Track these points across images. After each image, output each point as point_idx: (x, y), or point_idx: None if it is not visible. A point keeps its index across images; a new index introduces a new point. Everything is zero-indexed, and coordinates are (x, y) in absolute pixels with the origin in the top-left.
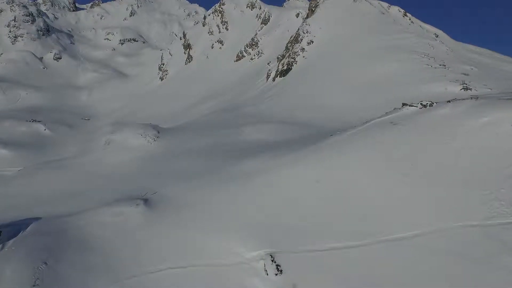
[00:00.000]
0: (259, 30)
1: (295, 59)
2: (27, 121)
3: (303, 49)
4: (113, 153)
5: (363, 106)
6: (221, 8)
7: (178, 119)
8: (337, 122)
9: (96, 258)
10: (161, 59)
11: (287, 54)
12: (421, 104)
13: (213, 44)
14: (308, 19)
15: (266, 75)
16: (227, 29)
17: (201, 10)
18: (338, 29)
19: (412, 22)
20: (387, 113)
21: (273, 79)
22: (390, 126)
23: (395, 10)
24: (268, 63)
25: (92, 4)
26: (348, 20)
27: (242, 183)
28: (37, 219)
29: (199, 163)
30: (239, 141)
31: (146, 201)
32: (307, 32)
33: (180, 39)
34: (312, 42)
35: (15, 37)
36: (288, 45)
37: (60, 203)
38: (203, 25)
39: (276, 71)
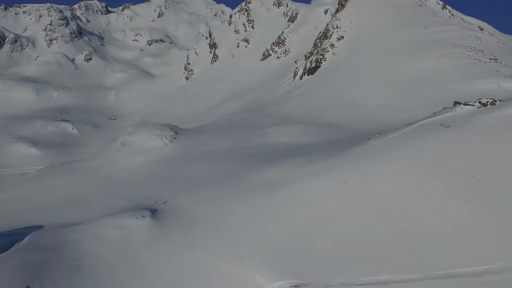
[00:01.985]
0: (286, 28)
1: (324, 56)
2: (56, 120)
3: (332, 45)
4: (127, 156)
5: (401, 106)
6: (247, 7)
7: (200, 119)
8: (372, 123)
9: (88, 282)
10: (187, 58)
11: (316, 51)
12: (479, 102)
13: (238, 43)
14: (337, 13)
15: (293, 74)
16: (253, 28)
17: (228, 10)
18: (370, 23)
19: (452, 14)
20: (435, 114)
21: (300, 78)
22: (441, 129)
23: (433, 2)
24: (295, 62)
25: (123, 7)
26: (381, 13)
27: (263, 195)
28: (37, 227)
29: (217, 168)
30: (262, 143)
31: (153, 212)
32: (337, 28)
33: (206, 38)
34: (343, 37)
35: (51, 40)
36: (317, 41)
37: (64, 210)
38: (229, 24)
39: (304, 69)
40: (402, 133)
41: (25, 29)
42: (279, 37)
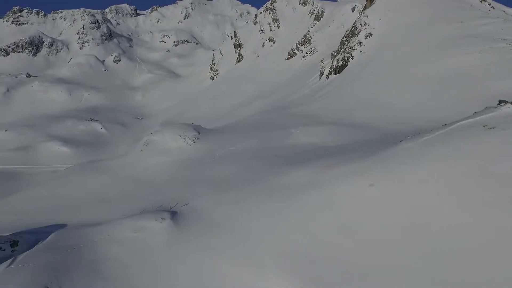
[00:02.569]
0: (311, 27)
1: (351, 54)
2: (86, 120)
3: (360, 43)
4: (150, 156)
5: (434, 106)
6: (273, 6)
7: (225, 119)
8: (403, 124)
9: (104, 285)
10: (212, 59)
11: (343, 49)
12: None
13: (264, 43)
14: (366, 10)
15: (319, 73)
16: (278, 27)
17: (253, 10)
18: (401, 19)
19: (492, 7)
20: (476, 114)
21: (327, 77)
22: (484, 130)
23: None
24: (321, 60)
25: (151, 9)
26: (413, 8)
27: (287, 200)
28: (61, 226)
29: (240, 169)
30: (287, 145)
31: (173, 215)
32: (365, 25)
33: (231, 38)
34: (371, 35)
35: (83, 42)
36: (344, 39)
37: (88, 209)
38: (254, 24)
39: (330, 68)
40: (439, 135)
41: (60, 33)
42: (304, 36)
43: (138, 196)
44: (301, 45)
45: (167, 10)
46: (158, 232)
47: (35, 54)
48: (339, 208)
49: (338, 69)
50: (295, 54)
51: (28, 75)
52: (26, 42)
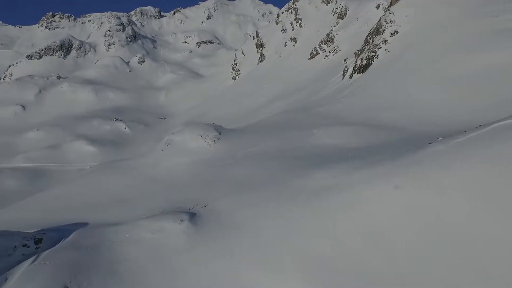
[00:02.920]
0: (334, 26)
1: (375, 53)
2: (111, 120)
3: (385, 41)
4: (170, 156)
5: (465, 106)
6: (295, 5)
7: (247, 119)
8: (431, 125)
9: (122, 286)
10: (234, 59)
11: (367, 48)
12: None
13: (286, 42)
14: (391, 7)
15: (342, 72)
16: (300, 26)
17: (275, 9)
18: (429, 15)
19: None
20: None
21: (350, 76)
22: None
23: None
24: (344, 60)
25: (174, 11)
26: (442, 3)
27: (309, 203)
28: (83, 225)
29: (261, 171)
30: (310, 145)
31: (192, 216)
32: (390, 22)
33: (253, 38)
34: (397, 32)
35: (109, 44)
36: (368, 38)
37: (109, 208)
38: (276, 23)
39: (354, 67)
40: (473, 137)
41: (88, 36)
42: (327, 35)
43: (158, 196)
44: (324, 45)
45: (190, 11)
46: (176, 234)
47: (65, 57)
48: (363, 213)
49: (362, 68)
50: (317, 53)
51: (58, 77)
52: (57, 45)
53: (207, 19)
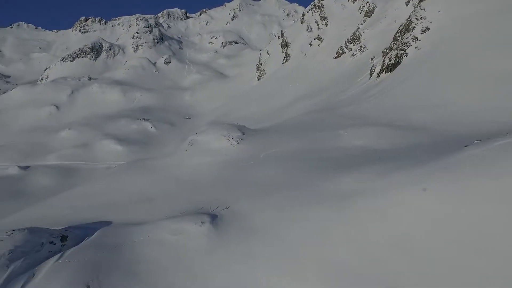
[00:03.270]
0: (361, 24)
1: (405, 51)
2: (138, 119)
3: (415, 39)
4: (194, 156)
5: (504, 106)
6: (321, 4)
7: (271, 120)
8: (466, 126)
9: (142, 287)
10: (259, 59)
11: (395, 46)
12: None
13: (311, 41)
14: (422, 2)
15: (369, 72)
16: (326, 25)
17: (301, 9)
18: (465, 9)
19: None
20: None
21: (378, 75)
22: None
23: None
24: (371, 59)
25: (200, 12)
26: None
27: (334, 208)
28: (107, 223)
29: (284, 173)
30: (335, 147)
31: (213, 218)
32: (421, 18)
33: (278, 38)
34: (428, 29)
35: (137, 46)
36: (397, 35)
37: (133, 207)
38: (301, 23)
39: (382, 66)
40: None
41: (117, 38)
42: (354, 33)
43: (180, 197)
44: (350, 43)
45: (215, 12)
46: (197, 236)
47: (95, 59)
48: (393, 220)
49: (390, 67)
50: (343, 52)
51: (89, 78)
52: (89, 48)
53: (232, 19)
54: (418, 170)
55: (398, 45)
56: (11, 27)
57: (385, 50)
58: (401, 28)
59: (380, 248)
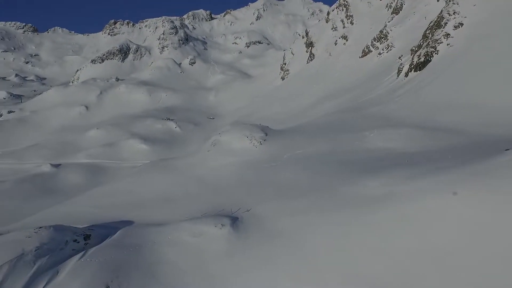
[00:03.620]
0: (389, 21)
1: (435, 49)
2: (163, 119)
3: (447, 35)
4: (216, 156)
5: None
6: (346, 2)
7: (295, 120)
8: (499, 128)
9: None
10: (283, 59)
11: (425, 44)
12: None
13: (336, 41)
14: None
15: (396, 71)
16: (352, 24)
17: (325, 7)
18: (503, 2)
19: None
20: None
21: (406, 74)
22: None
23: None
24: (399, 57)
25: (225, 13)
26: None
27: (359, 213)
28: (129, 223)
29: (307, 175)
30: (360, 149)
31: (234, 221)
32: (454, 13)
33: (303, 37)
34: (461, 25)
35: (163, 47)
36: (427, 32)
37: (155, 207)
38: (326, 22)
39: (410, 65)
40: None
41: (144, 40)
42: (381, 31)
43: (201, 197)
44: (377, 42)
45: (239, 12)
46: (217, 239)
47: (123, 60)
48: (423, 228)
49: (419, 66)
50: (370, 51)
51: (117, 79)
52: (117, 50)
53: (257, 19)
54: (450, 175)
55: (428, 43)
56: (48, 32)
57: (413, 48)
58: (431, 24)
59: (409, 258)
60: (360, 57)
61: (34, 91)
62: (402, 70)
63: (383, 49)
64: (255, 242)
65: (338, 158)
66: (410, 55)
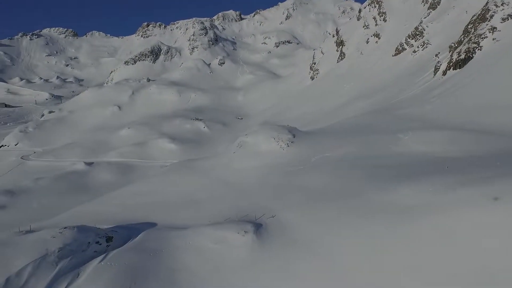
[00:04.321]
0: (425, 17)
1: (478, 44)
2: (191, 119)
3: (493, 29)
4: (242, 158)
5: None
6: None
7: (324, 121)
8: None
9: None
10: (313, 58)
11: (467, 39)
12: None
13: (368, 39)
14: None
15: (433, 69)
16: (385, 21)
17: (357, 5)
18: None
19: None
20: None
21: (444, 73)
22: None
23: None
24: (436, 55)
25: (254, 13)
26: None
27: (392, 224)
28: (151, 225)
29: (337, 180)
30: (394, 153)
31: (258, 228)
32: (502, 5)
33: (333, 36)
34: (511, 17)
35: (193, 48)
36: (469, 27)
37: (178, 209)
38: (358, 19)
39: (449, 63)
40: None
41: (175, 41)
42: (416, 28)
43: (225, 200)
44: (412, 39)
45: (269, 12)
46: (239, 246)
47: (154, 61)
48: (468, 243)
49: (459, 63)
50: (403, 49)
51: (148, 80)
52: (148, 51)
53: (286, 19)
54: (501, 184)
55: (470, 38)
56: (86, 36)
57: (453, 44)
58: (474, 18)
59: (452, 276)
60: (393, 56)
61: (73, 92)
62: (439, 68)
63: (418, 47)
64: (279, 252)
65: (369, 162)
66: (448, 52)
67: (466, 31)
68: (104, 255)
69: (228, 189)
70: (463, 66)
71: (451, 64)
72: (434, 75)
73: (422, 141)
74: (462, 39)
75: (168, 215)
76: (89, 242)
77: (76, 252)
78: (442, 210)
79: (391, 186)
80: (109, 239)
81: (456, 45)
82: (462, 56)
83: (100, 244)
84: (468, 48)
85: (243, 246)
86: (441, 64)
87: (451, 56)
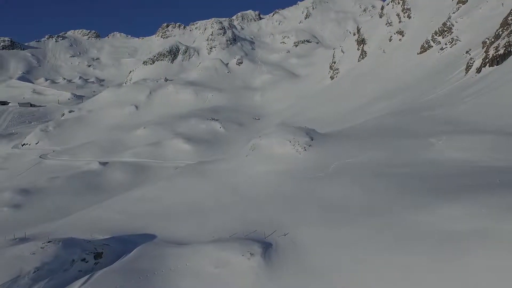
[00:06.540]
0: (453, 12)
1: None
2: (207, 119)
3: None
4: (254, 162)
5: None
6: None
7: (344, 122)
8: None
9: None
10: (333, 57)
11: (506, 33)
12: None
13: (391, 36)
14: None
15: (465, 67)
16: (409, 17)
17: (378, 3)
18: None
19: None
20: None
21: (478, 71)
22: None
23: None
24: (466, 52)
25: (273, 13)
26: None
27: (438, 256)
28: (150, 237)
29: (359, 192)
30: (426, 160)
31: (266, 248)
32: None
33: (354, 34)
34: None
35: (211, 48)
36: (509, 19)
37: (182, 218)
38: (380, 17)
39: (483, 59)
40: None
41: (193, 41)
42: (443, 24)
43: (232, 210)
44: (439, 35)
45: (288, 11)
46: (243, 272)
47: (172, 61)
48: None
49: (496, 60)
50: (430, 46)
51: (166, 79)
52: (167, 51)
53: (305, 18)
54: None
55: (510, 31)
56: (108, 37)
57: (487, 39)
58: None
59: None
60: (418, 54)
61: (94, 91)
62: (472, 65)
63: (446, 44)
64: (290, 282)
65: (398, 171)
66: (481, 48)
67: (505, 24)
68: (87, 277)
69: (237, 197)
70: (501, 62)
71: (487, 60)
72: (466, 73)
73: (458, 147)
74: (500, 32)
75: (169, 225)
76: (73, 260)
77: (56, 272)
78: (503, 240)
79: (429, 203)
80: (98, 255)
81: (493, 39)
82: (501, 51)
83: (87, 262)
84: (508, 42)
85: (248, 271)
86: (474, 61)
87: (487, 52)
